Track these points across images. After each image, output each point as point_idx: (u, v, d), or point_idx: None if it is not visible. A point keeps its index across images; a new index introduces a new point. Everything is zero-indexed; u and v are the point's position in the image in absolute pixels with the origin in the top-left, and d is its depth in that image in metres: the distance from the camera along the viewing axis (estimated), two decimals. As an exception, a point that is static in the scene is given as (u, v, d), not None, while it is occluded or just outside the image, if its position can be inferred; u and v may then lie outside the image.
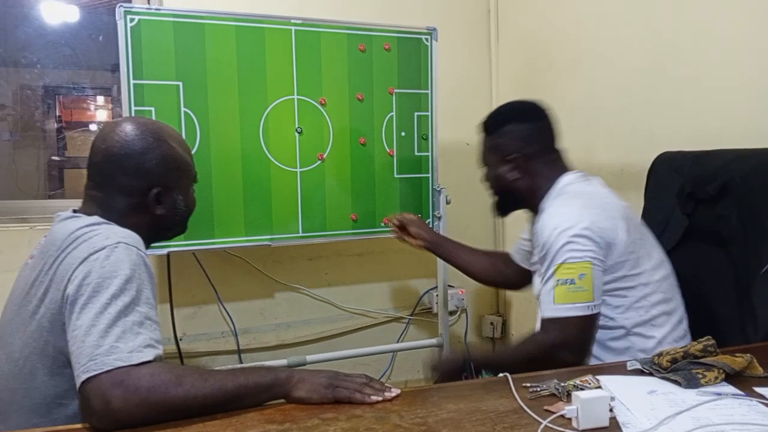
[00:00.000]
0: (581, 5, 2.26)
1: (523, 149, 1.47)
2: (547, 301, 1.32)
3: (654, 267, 1.39)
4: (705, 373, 1.08)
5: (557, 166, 1.50)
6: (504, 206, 1.60)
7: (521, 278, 1.80)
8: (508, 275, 1.85)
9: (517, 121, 1.49)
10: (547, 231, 1.33)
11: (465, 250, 1.93)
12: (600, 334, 1.36)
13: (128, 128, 1.18)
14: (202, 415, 0.96)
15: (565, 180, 1.45)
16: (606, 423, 0.92)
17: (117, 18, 1.88)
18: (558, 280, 1.30)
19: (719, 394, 1.03)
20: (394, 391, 1.05)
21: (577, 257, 1.29)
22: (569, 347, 1.28)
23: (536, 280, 1.44)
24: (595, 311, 1.31)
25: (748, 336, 1.31)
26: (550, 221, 1.34)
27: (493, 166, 1.53)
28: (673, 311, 1.40)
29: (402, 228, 1.99)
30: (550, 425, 0.92)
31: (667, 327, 1.37)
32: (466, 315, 2.80)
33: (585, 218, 1.31)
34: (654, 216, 1.65)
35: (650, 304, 1.36)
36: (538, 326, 1.50)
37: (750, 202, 1.38)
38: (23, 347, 1.05)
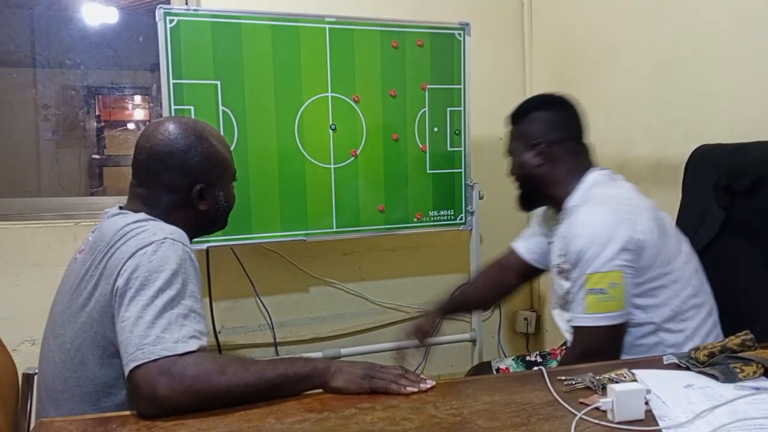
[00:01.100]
0: (616, -2, 2.23)
1: (547, 135, 1.47)
2: (579, 310, 1.33)
3: (685, 261, 1.38)
4: (743, 367, 1.07)
5: (582, 159, 1.49)
6: (527, 199, 1.59)
7: (525, 279, 1.78)
8: (513, 284, 1.79)
9: (543, 108, 1.50)
10: (580, 239, 1.32)
11: (466, 295, 1.86)
12: (629, 333, 1.35)
13: (171, 127, 1.22)
14: (244, 404, 0.99)
15: (590, 179, 1.44)
16: (642, 416, 0.92)
17: (157, 19, 1.93)
18: (589, 290, 1.30)
19: (758, 389, 1.02)
20: (429, 383, 1.07)
21: (608, 267, 1.28)
22: (601, 355, 1.28)
23: (560, 280, 1.45)
24: (624, 319, 1.31)
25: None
26: (582, 229, 1.33)
27: (518, 154, 1.52)
28: (702, 304, 1.39)
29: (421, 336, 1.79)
30: (585, 417, 0.93)
31: (696, 320, 1.36)
32: (500, 310, 2.80)
33: (617, 226, 1.30)
34: (691, 210, 1.63)
35: (681, 300, 1.35)
36: (561, 324, 1.51)
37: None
38: (74, 338, 1.10)
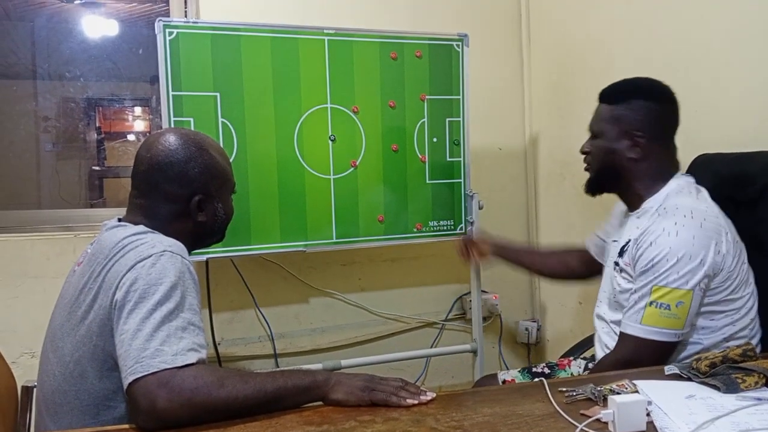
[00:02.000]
0: (613, 8, 2.24)
1: (649, 129, 1.38)
2: (633, 318, 1.29)
3: (751, 292, 1.35)
4: (744, 377, 1.07)
5: (672, 161, 1.43)
6: (599, 185, 1.50)
7: (588, 271, 1.78)
8: (575, 269, 1.82)
9: (647, 97, 1.40)
10: (658, 249, 1.27)
11: (530, 252, 2.01)
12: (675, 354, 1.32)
13: (172, 138, 1.23)
14: (243, 416, 0.99)
15: (675, 185, 1.38)
16: (643, 427, 0.92)
17: (156, 32, 1.94)
18: (652, 302, 1.26)
19: (759, 399, 1.02)
20: (430, 395, 1.06)
21: (682, 285, 1.24)
22: (641, 366, 1.24)
23: (618, 278, 1.41)
24: (679, 339, 1.28)
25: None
26: (665, 239, 1.27)
27: (610, 139, 1.41)
28: (753, 336, 1.36)
29: (466, 248, 2.06)
30: (586, 429, 0.92)
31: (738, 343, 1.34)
32: (500, 320, 2.79)
33: (703, 246, 1.25)
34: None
35: (736, 328, 1.32)
36: (601, 323, 1.49)
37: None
38: (74, 351, 1.10)
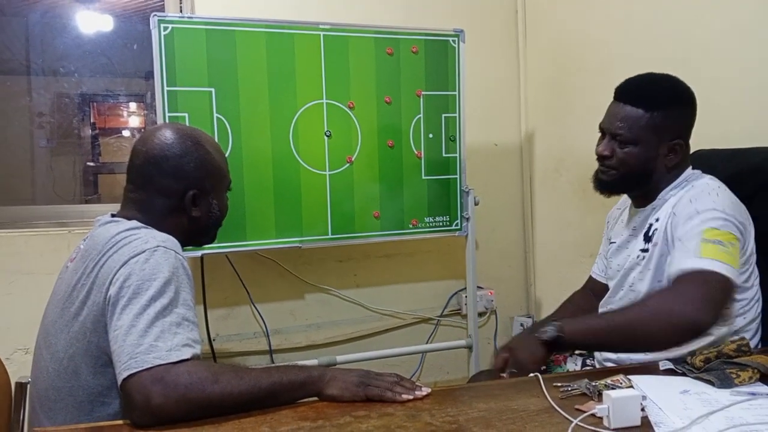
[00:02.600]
0: (609, 6, 2.24)
1: (687, 135, 1.40)
2: (690, 254, 1.21)
3: (758, 289, 1.35)
4: (739, 372, 1.08)
5: (689, 158, 1.44)
6: (621, 186, 1.46)
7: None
8: (594, 303, 1.67)
9: (683, 104, 1.39)
10: (704, 202, 1.27)
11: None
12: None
13: (168, 133, 1.23)
14: (238, 412, 0.99)
15: (690, 171, 1.41)
16: (638, 422, 0.92)
17: (151, 27, 1.93)
18: (706, 239, 1.21)
19: (753, 394, 1.02)
20: (425, 390, 1.06)
21: (731, 229, 1.24)
22: (711, 309, 1.15)
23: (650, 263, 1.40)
24: (736, 286, 1.22)
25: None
26: (708, 197, 1.28)
27: (649, 148, 1.37)
28: (758, 326, 1.36)
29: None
30: (581, 424, 0.92)
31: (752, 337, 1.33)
32: (496, 316, 2.79)
33: (741, 210, 1.29)
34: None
35: (745, 322, 1.32)
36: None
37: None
38: (67, 347, 1.09)
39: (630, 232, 1.48)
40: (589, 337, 1.23)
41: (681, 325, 1.15)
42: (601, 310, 1.56)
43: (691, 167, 1.43)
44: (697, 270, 1.18)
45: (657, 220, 1.39)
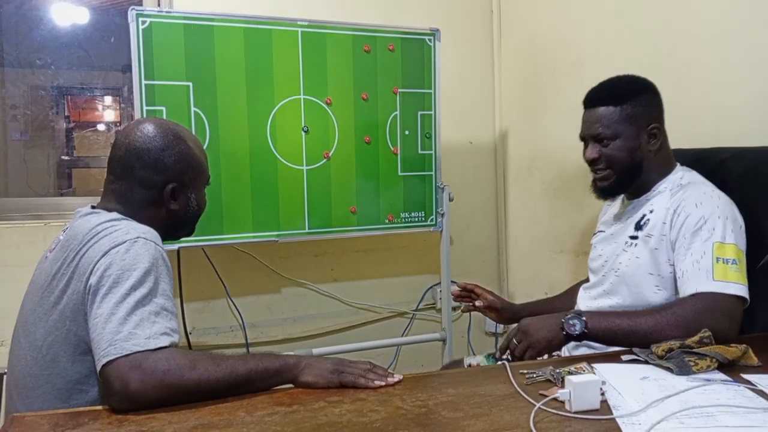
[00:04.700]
0: (582, 7, 2.29)
1: (660, 119, 1.47)
2: (704, 277, 1.27)
3: None
4: (697, 361, 1.12)
5: (670, 149, 1.51)
6: (619, 186, 1.50)
7: None
8: None
9: (650, 91, 1.48)
10: (707, 209, 1.32)
11: (548, 302, 1.79)
12: None
13: (150, 126, 1.25)
14: (215, 398, 1.01)
15: (682, 170, 1.47)
16: (597, 406, 0.97)
17: (129, 20, 1.94)
18: (718, 258, 1.27)
19: (708, 380, 1.08)
20: (397, 377, 1.10)
21: (739, 242, 1.30)
22: (729, 323, 1.22)
23: (636, 250, 1.43)
24: (747, 302, 1.27)
25: (744, 328, 1.33)
26: (711, 201, 1.34)
27: (629, 138, 1.44)
28: None
29: (467, 293, 1.84)
30: (544, 407, 0.97)
31: None
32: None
33: (739, 216, 1.34)
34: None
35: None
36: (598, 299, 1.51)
37: (747, 199, 1.41)
38: (46, 335, 1.11)
39: (621, 222, 1.54)
40: (608, 335, 1.28)
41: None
42: (583, 293, 1.61)
43: (677, 164, 1.50)
44: (711, 293, 1.26)
45: (651, 211, 1.44)
